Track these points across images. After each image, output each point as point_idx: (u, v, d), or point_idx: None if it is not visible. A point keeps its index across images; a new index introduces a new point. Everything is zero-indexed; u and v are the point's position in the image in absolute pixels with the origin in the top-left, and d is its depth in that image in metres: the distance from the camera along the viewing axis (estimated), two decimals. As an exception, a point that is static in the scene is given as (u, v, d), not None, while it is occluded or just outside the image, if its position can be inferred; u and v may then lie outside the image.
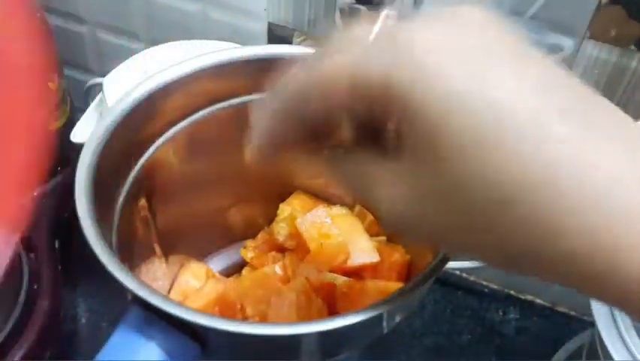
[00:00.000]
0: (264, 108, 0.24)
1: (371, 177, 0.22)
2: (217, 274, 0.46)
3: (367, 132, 0.23)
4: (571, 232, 0.18)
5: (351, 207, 0.45)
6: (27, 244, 0.51)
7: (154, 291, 0.28)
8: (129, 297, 0.28)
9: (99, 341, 0.28)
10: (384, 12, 0.22)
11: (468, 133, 0.18)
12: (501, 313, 0.59)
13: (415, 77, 0.19)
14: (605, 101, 0.19)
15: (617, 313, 0.40)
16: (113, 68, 0.48)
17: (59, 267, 0.52)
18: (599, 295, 0.20)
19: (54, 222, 0.54)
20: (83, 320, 0.55)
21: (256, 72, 0.38)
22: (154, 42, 0.58)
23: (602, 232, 0.18)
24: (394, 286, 0.39)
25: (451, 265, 0.59)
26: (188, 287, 0.43)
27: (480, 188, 0.18)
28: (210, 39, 0.50)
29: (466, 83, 0.18)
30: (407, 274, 0.42)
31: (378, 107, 0.20)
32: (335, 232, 0.42)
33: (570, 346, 0.54)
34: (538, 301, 0.60)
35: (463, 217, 0.19)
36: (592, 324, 0.42)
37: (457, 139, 0.18)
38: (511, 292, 0.61)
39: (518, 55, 0.19)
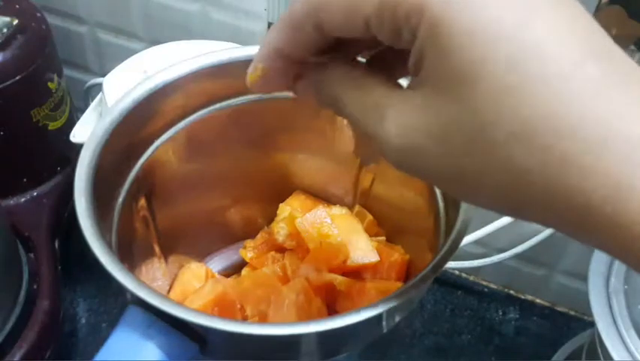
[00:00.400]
0: (283, 16, 0.24)
1: (383, 106, 0.22)
2: (216, 275, 0.46)
3: (388, 53, 0.22)
4: (586, 171, 0.18)
5: (350, 208, 0.45)
6: (27, 244, 0.51)
7: (153, 291, 0.28)
8: (128, 297, 0.28)
9: (98, 340, 0.28)
10: None
11: (502, 65, 0.18)
12: (501, 313, 0.59)
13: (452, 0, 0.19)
14: (624, 53, 0.20)
15: (617, 312, 0.40)
16: (113, 68, 0.48)
17: (59, 267, 0.52)
18: (600, 239, 0.19)
19: (54, 222, 0.54)
20: (83, 320, 0.55)
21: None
22: (154, 42, 0.58)
23: (617, 175, 0.18)
24: (394, 285, 0.39)
25: (451, 264, 0.59)
26: (188, 287, 0.43)
27: (505, 119, 0.18)
28: (210, 39, 0.50)
29: (507, 16, 0.19)
30: (406, 273, 0.42)
31: (407, 25, 0.20)
32: (335, 232, 0.42)
33: (570, 346, 0.54)
34: (538, 300, 0.60)
35: (482, 149, 0.19)
36: (592, 324, 0.42)
37: (491, 70, 0.18)
38: (511, 291, 0.61)
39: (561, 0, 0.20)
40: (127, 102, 0.35)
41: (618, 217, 0.18)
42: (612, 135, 0.18)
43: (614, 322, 0.40)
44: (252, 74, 0.25)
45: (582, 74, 0.18)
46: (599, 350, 0.41)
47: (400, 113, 0.21)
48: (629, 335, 0.39)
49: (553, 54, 0.18)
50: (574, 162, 0.18)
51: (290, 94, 0.27)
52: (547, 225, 0.21)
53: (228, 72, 0.38)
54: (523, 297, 0.60)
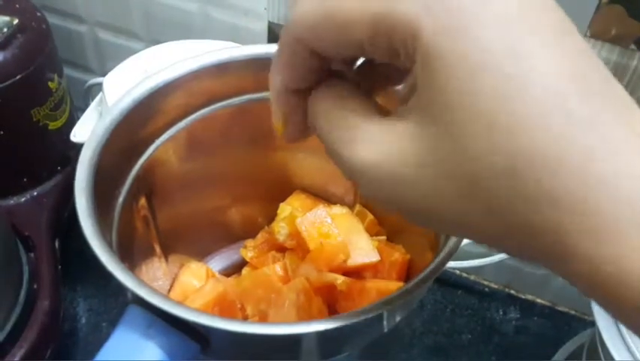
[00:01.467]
0: (277, 56, 0.23)
1: (358, 130, 0.21)
2: (217, 274, 0.46)
3: (378, 79, 0.22)
4: (563, 209, 0.18)
5: (351, 207, 0.45)
6: (27, 243, 0.51)
7: (154, 291, 0.28)
8: (129, 297, 0.28)
9: (99, 340, 0.28)
10: None
11: (485, 97, 0.18)
12: (501, 313, 0.59)
13: (447, 28, 0.18)
14: (624, 92, 0.19)
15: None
16: (113, 67, 0.48)
17: (59, 266, 0.52)
18: (589, 288, 0.19)
19: (54, 222, 0.54)
20: (83, 320, 0.55)
21: (256, 71, 0.38)
22: (154, 41, 0.58)
23: (599, 219, 0.17)
24: (394, 285, 0.39)
25: (452, 264, 0.59)
26: (188, 287, 0.43)
27: (485, 153, 0.18)
28: (210, 38, 0.50)
29: (501, 49, 0.18)
30: (407, 273, 0.42)
31: (404, 50, 0.19)
32: (335, 231, 0.42)
33: (570, 345, 0.54)
34: (538, 300, 0.60)
35: (461, 181, 0.19)
36: (592, 323, 0.42)
37: (474, 102, 0.18)
38: (512, 291, 0.61)
39: (558, 30, 0.19)
40: (127, 102, 0.35)
41: (595, 258, 0.18)
42: (594, 174, 0.17)
43: (615, 321, 0.40)
44: (277, 122, 0.25)
45: (568, 112, 0.18)
46: (600, 350, 0.41)
47: (376, 143, 0.21)
48: (630, 334, 0.39)
49: (540, 90, 0.18)
50: (551, 199, 0.18)
51: None
52: (528, 259, 0.20)
53: (228, 71, 0.38)
54: (523, 297, 0.60)
